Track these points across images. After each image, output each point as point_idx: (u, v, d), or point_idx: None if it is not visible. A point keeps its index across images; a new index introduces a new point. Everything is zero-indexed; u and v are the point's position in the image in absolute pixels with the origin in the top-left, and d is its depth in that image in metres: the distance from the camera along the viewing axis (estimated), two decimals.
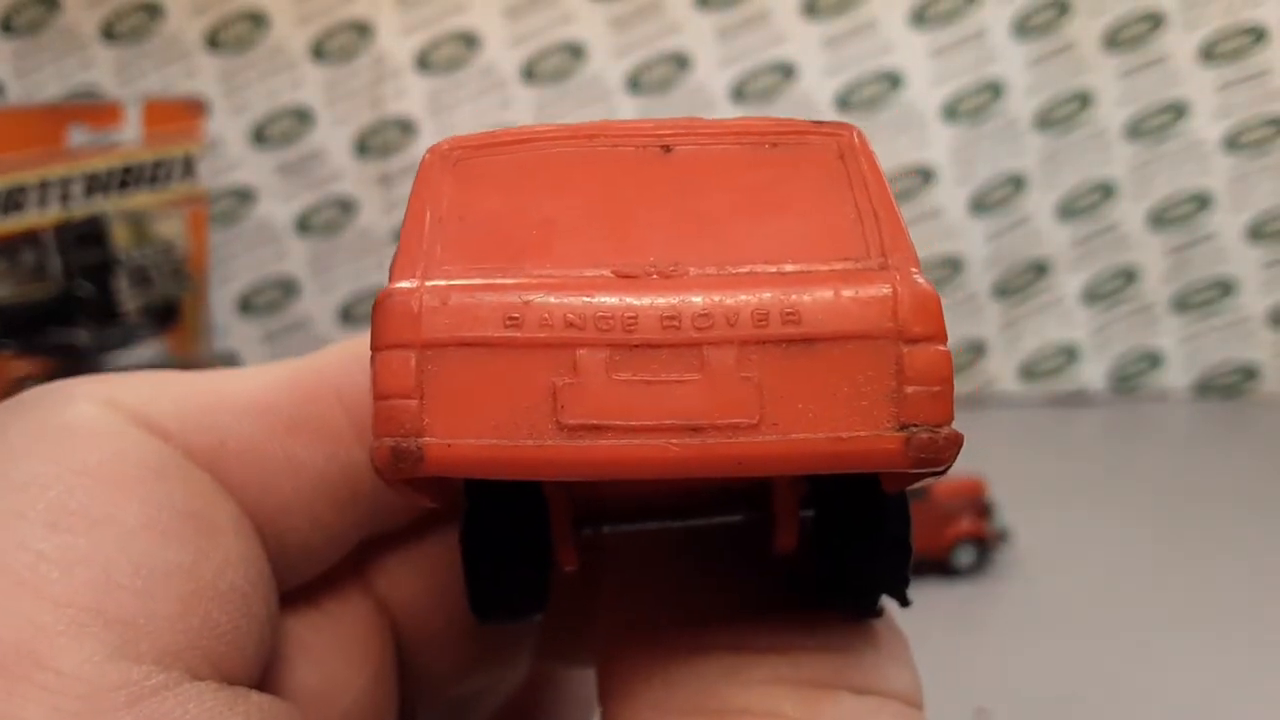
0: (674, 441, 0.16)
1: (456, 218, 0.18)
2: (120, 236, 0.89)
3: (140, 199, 0.91)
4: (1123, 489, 0.84)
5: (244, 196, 1.08)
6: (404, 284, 0.16)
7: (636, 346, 0.16)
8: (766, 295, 0.16)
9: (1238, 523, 0.77)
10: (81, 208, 0.87)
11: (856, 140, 0.19)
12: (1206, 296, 1.07)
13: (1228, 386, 1.08)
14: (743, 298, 0.16)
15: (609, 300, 0.16)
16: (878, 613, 0.20)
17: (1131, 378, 1.09)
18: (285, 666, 0.21)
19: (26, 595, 0.16)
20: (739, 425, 0.16)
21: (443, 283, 0.16)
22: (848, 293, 0.16)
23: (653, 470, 0.16)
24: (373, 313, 0.17)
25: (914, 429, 0.16)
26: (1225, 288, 1.07)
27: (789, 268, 0.17)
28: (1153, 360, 1.09)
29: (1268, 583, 0.67)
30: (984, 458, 0.70)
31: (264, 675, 0.20)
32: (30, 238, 0.85)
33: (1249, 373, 1.08)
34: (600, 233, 0.17)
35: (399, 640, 0.24)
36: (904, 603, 0.20)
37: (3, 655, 0.16)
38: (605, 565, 0.22)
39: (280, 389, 0.21)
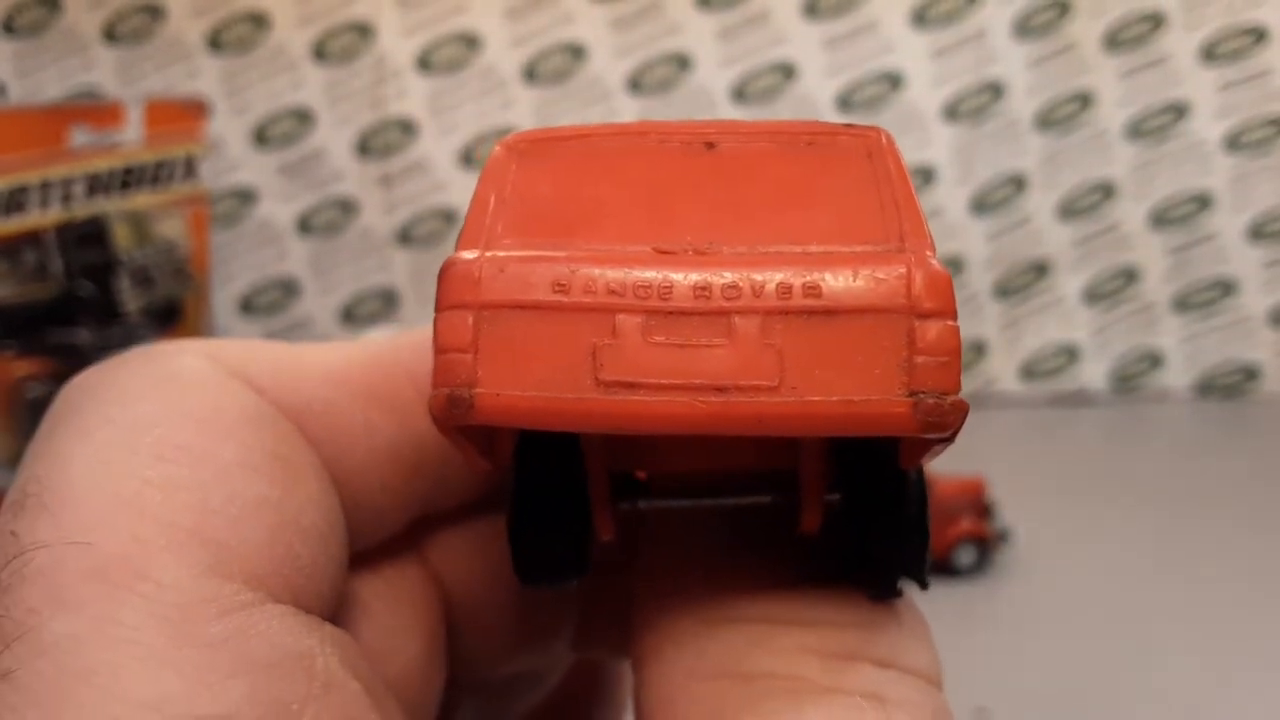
0: (700, 399, 0.17)
1: (517, 200, 0.20)
2: (122, 237, 0.89)
3: (142, 199, 0.91)
4: (1123, 489, 0.85)
5: (245, 197, 1.08)
6: (467, 254, 0.18)
7: (670, 313, 0.17)
8: (790, 271, 0.17)
9: (1238, 522, 0.77)
10: (83, 208, 0.87)
11: (884, 141, 0.20)
12: (1207, 296, 1.07)
13: (1229, 386, 1.08)
14: (769, 272, 0.17)
15: (648, 272, 0.18)
16: (897, 593, 0.21)
17: (1132, 378, 1.09)
18: (347, 620, 0.23)
19: (133, 515, 0.18)
20: (760, 387, 0.17)
21: (501, 253, 0.18)
22: (866, 270, 0.17)
23: (680, 425, 0.17)
24: (438, 278, 0.19)
25: (922, 395, 0.17)
26: (1226, 288, 1.07)
27: (814, 248, 0.18)
28: (1153, 360, 1.09)
29: (1268, 583, 0.67)
30: (985, 457, 0.70)
31: (333, 620, 0.21)
32: (32, 238, 0.85)
33: (1250, 373, 1.08)
34: (643, 215, 0.19)
35: (448, 617, 0.26)
36: (923, 585, 0.21)
37: (108, 565, 0.17)
38: (642, 541, 0.23)
39: (360, 362, 0.23)
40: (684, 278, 0.17)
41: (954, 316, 0.17)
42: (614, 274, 0.18)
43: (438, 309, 0.18)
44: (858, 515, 0.21)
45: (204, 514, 0.18)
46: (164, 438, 0.19)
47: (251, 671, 0.17)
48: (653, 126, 0.21)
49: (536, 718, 0.31)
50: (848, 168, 0.20)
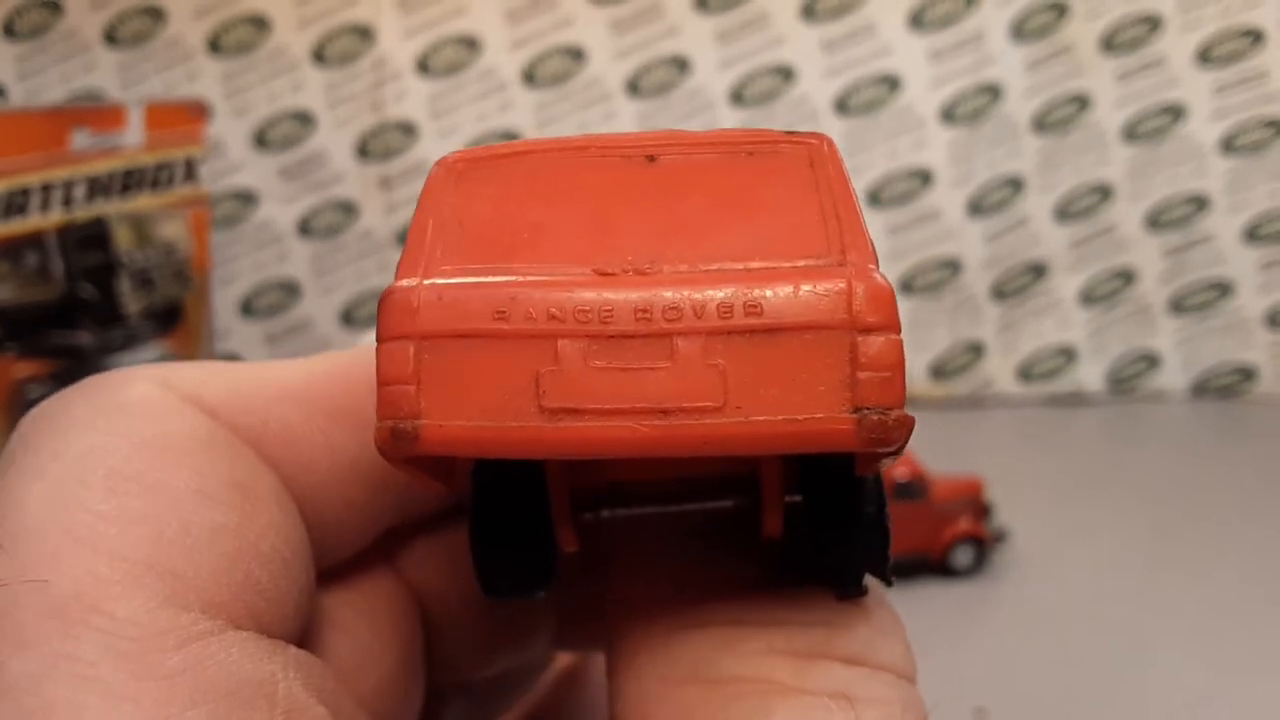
0: (644, 423, 0.17)
1: (456, 223, 0.19)
2: (123, 239, 0.89)
3: (142, 201, 0.91)
4: (1120, 489, 0.85)
5: (246, 199, 1.09)
6: (405, 282, 0.18)
7: (612, 337, 0.17)
8: (731, 290, 0.17)
9: (1235, 523, 0.77)
10: (84, 210, 0.87)
11: (826, 149, 0.20)
12: (1204, 298, 1.08)
13: (1225, 387, 1.08)
14: (709, 292, 0.17)
15: (588, 295, 0.17)
16: (862, 591, 0.21)
17: (1129, 379, 1.09)
18: (319, 638, 0.23)
19: (86, 551, 0.18)
20: (705, 408, 0.17)
21: (440, 281, 0.18)
22: (806, 287, 0.17)
23: (625, 449, 0.17)
24: (378, 309, 0.18)
25: (866, 411, 0.17)
26: (1223, 289, 1.07)
27: (755, 265, 0.18)
28: (1150, 361, 1.09)
29: (1265, 583, 0.67)
30: (982, 458, 0.71)
31: (300, 642, 0.21)
32: (33, 240, 0.85)
33: (1246, 373, 1.08)
34: (584, 235, 0.19)
35: (425, 624, 0.26)
36: (887, 582, 0.22)
37: (64, 602, 0.17)
38: (611, 549, 0.23)
39: (320, 378, 0.23)
40: (624, 300, 0.17)
41: (897, 330, 0.17)
42: (554, 298, 0.17)
43: (379, 340, 0.18)
44: (818, 516, 0.21)
45: (158, 545, 0.18)
46: (115, 469, 0.19)
47: (210, 700, 0.17)
48: (594, 140, 0.20)
49: None
50: (789, 178, 0.20)
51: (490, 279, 0.18)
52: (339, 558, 0.24)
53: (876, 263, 0.18)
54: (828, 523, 0.21)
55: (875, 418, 0.17)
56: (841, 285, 0.17)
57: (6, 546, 0.18)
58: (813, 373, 0.17)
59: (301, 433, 0.22)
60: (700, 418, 0.17)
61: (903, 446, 0.17)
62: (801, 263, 0.18)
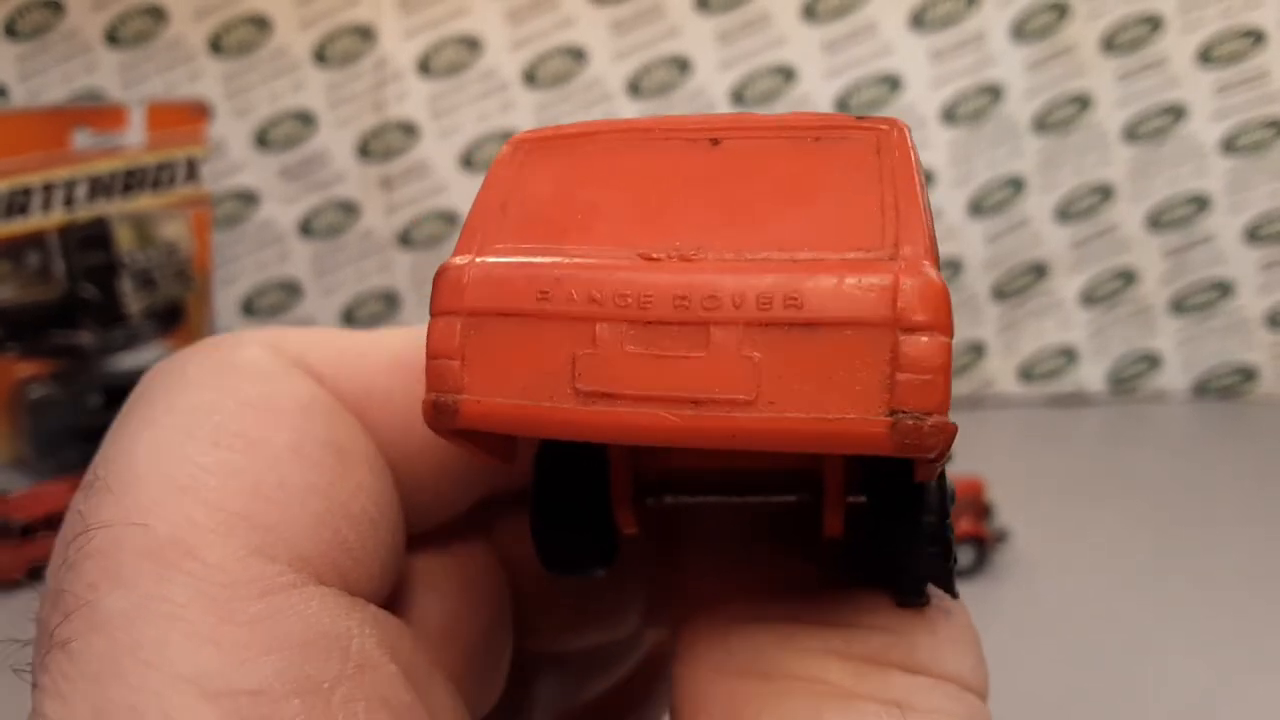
0: (674, 412, 0.17)
1: (516, 202, 0.19)
2: (124, 239, 0.89)
3: (144, 202, 0.91)
4: (1121, 489, 0.85)
5: (247, 199, 1.09)
6: (459, 259, 0.19)
7: (649, 323, 0.17)
8: (773, 280, 0.17)
9: (1236, 523, 0.77)
10: (85, 210, 0.87)
11: (896, 135, 0.19)
12: (1205, 298, 1.08)
13: (1226, 388, 1.08)
14: (750, 281, 0.17)
15: (629, 279, 0.17)
16: (923, 600, 0.21)
17: (1130, 379, 1.09)
18: (412, 598, 0.24)
19: (186, 498, 0.19)
20: (736, 401, 0.16)
21: (491, 259, 0.18)
22: (850, 280, 0.17)
23: (653, 437, 0.17)
24: (433, 284, 0.19)
25: (901, 415, 0.16)
26: (1224, 289, 1.07)
27: (802, 255, 0.17)
28: (1151, 361, 1.09)
29: (1266, 583, 0.67)
30: (983, 458, 0.71)
31: (395, 609, 0.22)
32: (34, 240, 0.85)
33: (1247, 374, 1.08)
34: (636, 218, 0.19)
35: (515, 594, 0.27)
36: (952, 593, 0.21)
37: (160, 546, 0.18)
38: (681, 535, 0.24)
39: (420, 349, 0.24)
40: (664, 286, 0.17)
41: (946, 331, 0.16)
42: (596, 281, 0.17)
43: (431, 314, 0.18)
44: (880, 521, 0.20)
45: (254, 499, 0.19)
46: (221, 425, 0.20)
47: (285, 649, 0.18)
48: (660, 123, 0.20)
49: (604, 702, 0.32)
50: (853, 165, 0.19)
51: (538, 259, 0.18)
52: (433, 522, 0.24)
53: (935, 259, 0.17)
54: (888, 529, 0.20)
55: (910, 422, 0.16)
56: (887, 280, 0.17)
57: (115, 490, 0.19)
58: (850, 371, 0.16)
59: (400, 401, 0.23)
60: (730, 410, 0.16)
61: (943, 454, 0.17)
62: (851, 255, 0.17)
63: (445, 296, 0.18)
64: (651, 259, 0.18)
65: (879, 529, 0.20)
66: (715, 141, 0.20)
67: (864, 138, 0.19)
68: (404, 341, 0.24)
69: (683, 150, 0.20)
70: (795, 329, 0.17)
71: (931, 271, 0.17)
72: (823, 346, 0.16)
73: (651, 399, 0.17)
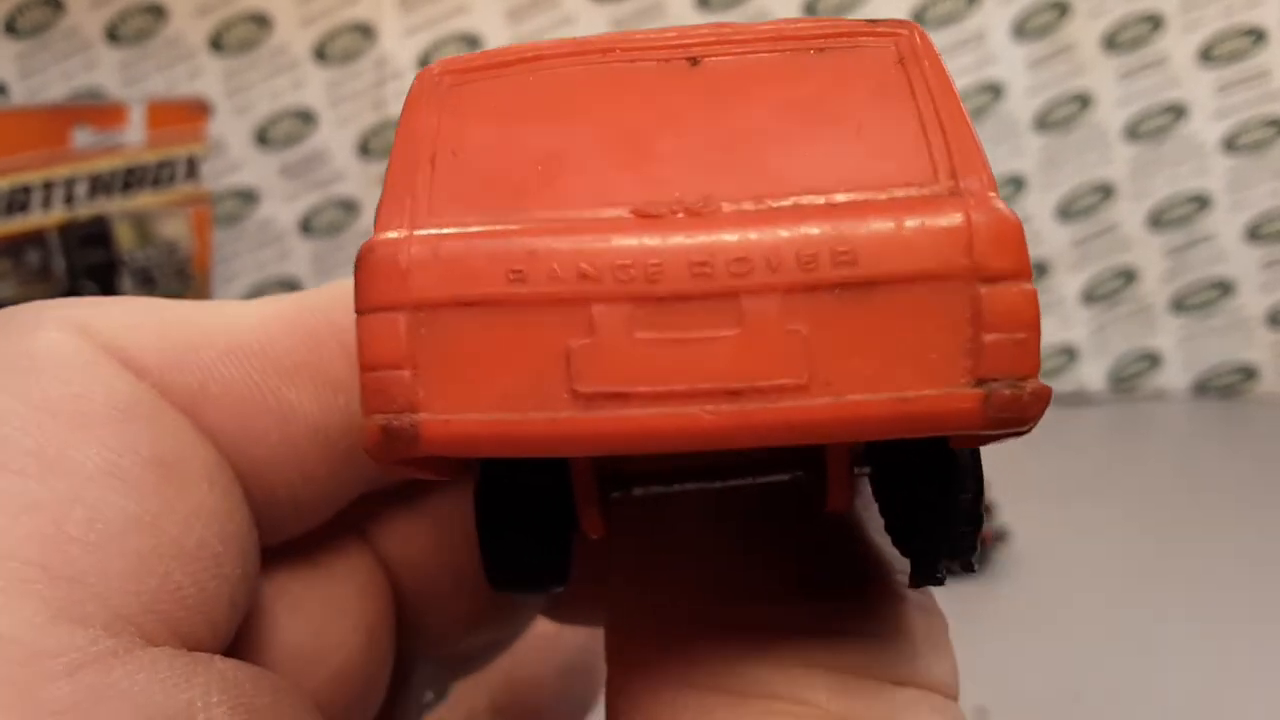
0: (708, 409, 0.13)
1: (449, 153, 0.15)
2: (124, 237, 0.89)
3: (144, 200, 0.91)
4: (1122, 488, 0.85)
5: (247, 197, 1.09)
6: (389, 234, 0.14)
7: (662, 299, 0.14)
8: (815, 231, 0.14)
9: (1237, 522, 0.77)
10: (86, 208, 0.87)
11: (919, 41, 0.16)
12: (1206, 297, 1.08)
13: (1226, 386, 1.08)
14: (786, 236, 0.14)
15: (628, 244, 0.14)
16: (939, 580, 0.18)
17: (1131, 378, 1.09)
18: (272, 623, 0.20)
19: None
20: (785, 387, 0.13)
21: (434, 231, 0.14)
22: (912, 224, 0.14)
23: (685, 443, 0.14)
24: (355, 269, 0.14)
25: (994, 384, 0.13)
26: (1224, 288, 1.07)
27: (840, 197, 0.14)
28: (1152, 360, 1.09)
29: (1267, 581, 0.67)
30: (982, 457, 0.70)
31: (244, 635, 0.19)
32: (35, 238, 0.85)
33: (1248, 373, 1.08)
34: (616, 165, 0.15)
35: (400, 596, 0.23)
36: (970, 569, 0.18)
37: None
38: (618, 523, 0.20)
39: (278, 328, 0.19)
40: (677, 249, 0.14)
41: (1029, 276, 0.14)
42: (585, 250, 0.14)
43: (358, 311, 0.14)
44: (893, 495, 0.18)
45: (56, 542, 0.15)
46: (10, 439, 0.15)
47: None
48: (619, 41, 0.16)
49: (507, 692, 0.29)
50: (875, 80, 0.16)
51: (499, 226, 0.14)
52: (296, 532, 0.20)
53: (996, 188, 0.14)
54: (912, 506, 0.17)
55: (1007, 392, 0.13)
56: (958, 220, 0.14)
57: None
58: (922, 337, 0.13)
59: (250, 396, 0.18)
60: (779, 399, 0.13)
61: (1033, 426, 0.14)
62: (901, 192, 0.14)
63: (379, 285, 0.14)
64: (650, 216, 0.14)
65: (900, 507, 0.18)
66: (694, 61, 0.16)
67: (880, 46, 0.16)
68: (251, 319, 0.19)
69: (655, 74, 0.16)
70: (849, 291, 0.14)
71: (1003, 205, 0.14)
72: (885, 310, 0.14)
73: (676, 395, 0.13)
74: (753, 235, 0.14)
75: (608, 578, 0.20)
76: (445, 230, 0.14)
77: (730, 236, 0.14)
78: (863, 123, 0.15)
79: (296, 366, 0.19)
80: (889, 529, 0.18)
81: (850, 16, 0.89)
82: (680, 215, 0.14)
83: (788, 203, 0.14)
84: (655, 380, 0.13)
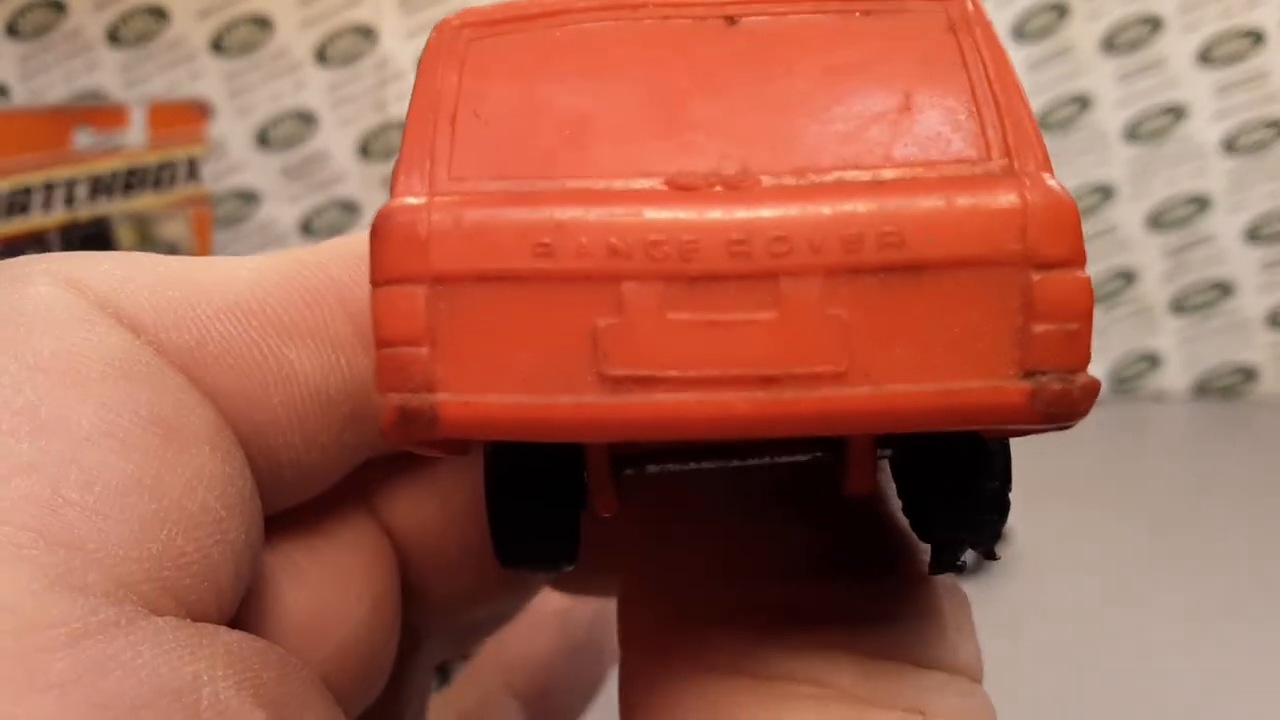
0: (742, 396, 0.13)
1: (470, 114, 0.14)
2: (125, 238, 0.89)
3: (145, 201, 0.91)
4: (1122, 489, 0.85)
5: (248, 199, 1.09)
6: (408, 200, 0.14)
7: (696, 278, 0.13)
8: (860, 210, 0.13)
9: (1237, 523, 0.77)
10: (86, 210, 0.87)
11: (971, 7, 0.15)
12: (1205, 298, 1.07)
13: (1227, 388, 1.08)
14: (829, 214, 0.13)
15: (662, 219, 0.13)
16: (960, 568, 0.17)
17: (1130, 379, 1.09)
18: (274, 594, 0.19)
19: None
20: (823, 375, 0.13)
21: (456, 198, 0.14)
22: (963, 205, 0.13)
23: (717, 431, 0.13)
24: (370, 237, 0.14)
25: (1043, 377, 0.13)
26: (1224, 289, 1.07)
27: (887, 174, 0.14)
28: (1151, 361, 1.09)
29: (1268, 583, 0.67)
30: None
31: (246, 606, 0.18)
32: (35, 239, 0.85)
33: (1248, 374, 1.08)
34: (649, 131, 0.14)
35: (405, 567, 0.22)
36: (993, 557, 0.17)
37: None
38: (634, 497, 0.19)
39: (275, 285, 0.18)
40: (713, 225, 0.13)
41: (1083, 263, 0.13)
42: (616, 224, 0.13)
43: (374, 282, 0.14)
44: (918, 480, 0.17)
45: (53, 506, 0.14)
46: (1, 398, 0.15)
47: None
48: None
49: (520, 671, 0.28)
50: (924, 47, 0.15)
51: (525, 194, 0.14)
52: (299, 499, 0.20)
53: (1050, 165, 0.14)
54: (937, 493, 0.17)
55: (1057, 386, 0.13)
56: (1013, 200, 0.13)
57: None
58: (970, 325, 0.13)
59: (249, 355, 0.17)
60: (817, 388, 0.13)
61: (1085, 415, 0.13)
62: (951, 170, 0.14)
63: (397, 256, 0.13)
64: (686, 189, 0.13)
65: (924, 494, 0.17)
66: (731, 20, 0.15)
67: (930, 10, 0.15)
68: (250, 275, 0.18)
69: (690, 33, 0.15)
70: (895, 275, 0.13)
71: (1058, 186, 0.13)
72: (932, 296, 0.13)
73: (709, 381, 0.13)
74: (794, 213, 0.13)
75: (619, 554, 0.19)
76: (468, 197, 0.14)
77: (770, 213, 0.13)
78: (911, 93, 0.14)
79: (295, 324, 0.18)
80: (908, 513, 0.17)
81: None
82: (717, 188, 0.13)
83: (830, 178, 0.14)
84: (687, 364, 0.13)
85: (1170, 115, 1.05)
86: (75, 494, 0.14)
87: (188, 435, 0.16)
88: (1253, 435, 1.00)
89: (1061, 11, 1.05)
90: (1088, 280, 0.13)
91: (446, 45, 0.15)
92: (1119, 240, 1.07)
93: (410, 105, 0.15)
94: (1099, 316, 0.96)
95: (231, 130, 1.07)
